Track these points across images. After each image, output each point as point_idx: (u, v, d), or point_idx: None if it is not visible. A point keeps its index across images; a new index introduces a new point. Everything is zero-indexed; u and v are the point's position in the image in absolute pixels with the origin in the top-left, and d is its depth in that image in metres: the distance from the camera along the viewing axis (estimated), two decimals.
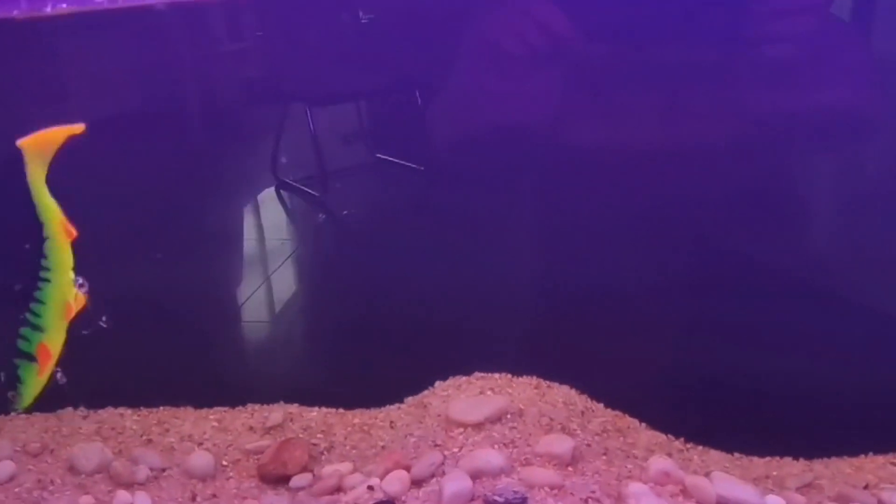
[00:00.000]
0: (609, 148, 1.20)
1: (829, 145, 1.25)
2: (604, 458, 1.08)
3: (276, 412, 1.22)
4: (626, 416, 1.20)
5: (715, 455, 1.18)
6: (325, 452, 1.14)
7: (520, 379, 1.22)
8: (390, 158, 1.51)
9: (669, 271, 1.23)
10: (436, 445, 1.07)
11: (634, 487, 0.95)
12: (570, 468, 1.04)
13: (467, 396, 1.16)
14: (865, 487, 1.09)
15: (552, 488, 0.97)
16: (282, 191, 1.53)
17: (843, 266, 1.33)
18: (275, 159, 1.48)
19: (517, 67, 1.13)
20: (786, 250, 1.29)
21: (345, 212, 1.52)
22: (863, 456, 1.17)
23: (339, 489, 1.05)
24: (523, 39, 1.11)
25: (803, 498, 1.02)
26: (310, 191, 1.48)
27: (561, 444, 1.05)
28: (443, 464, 1.03)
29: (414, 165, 1.47)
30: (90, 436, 1.18)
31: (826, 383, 1.20)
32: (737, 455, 1.18)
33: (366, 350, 1.30)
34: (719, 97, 1.16)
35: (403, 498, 0.99)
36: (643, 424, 1.20)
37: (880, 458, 1.16)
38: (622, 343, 1.22)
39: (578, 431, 1.13)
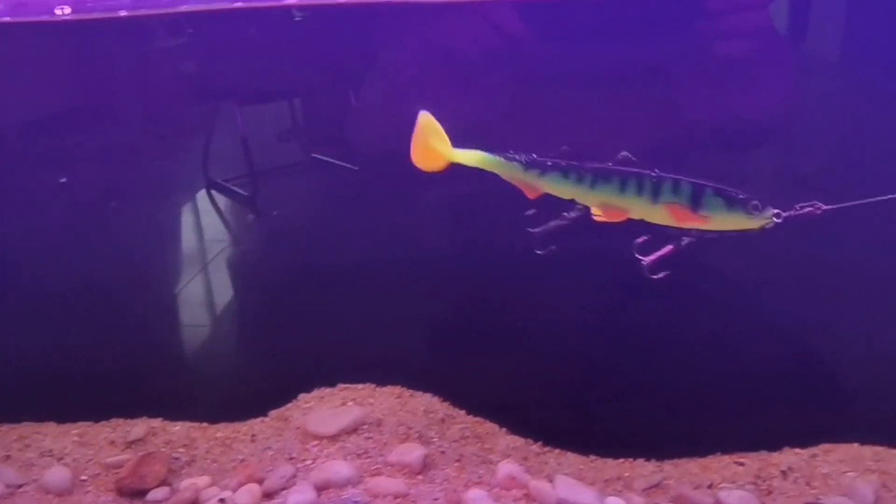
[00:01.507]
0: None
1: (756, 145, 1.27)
2: (457, 464, 1.11)
3: (138, 426, 1.22)
4: (487, 421, 1.24)
5: (571, 458, 1.22)
6: (186, 466, 1.15)
7: (383, 389, 1.24)
8: (325, 158, 1.51)
9: (528, 279, 1.26)
10: (290, 458, 1.09)
11: (473, 493, 0.99)
12: (419, 476, 1.07)
13: (326, 409, 1.18)
14: (709, 487, 1.14)
15: (396, 497, 1.00)
16: (213, 191, 1.51)
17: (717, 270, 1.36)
18: (205, 159, 1.47)
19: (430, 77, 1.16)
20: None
21: (274, 212, 1.51)
22: (710, 456, 1.22)
23: (194, 502, 1.06)
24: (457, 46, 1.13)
25: (642, 500, 1.07)
26: (239, 191, 1.47)
27: (412, 453, 1.08)
28: (294, 476, 1.05)
29: (349, 165, 1.47)
30: None
31: (673, 385, 1.24)
32: (592, 457, 1.22)
33: (232, 363, 1.31)
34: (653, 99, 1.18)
35: None
36: (503, 429, 1.23)
37: (726, 458, 1.21)
38: (483, 350, 1.26)
39: (435, 439, 1.16)
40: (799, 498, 1.10)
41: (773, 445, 1.20)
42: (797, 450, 1.19)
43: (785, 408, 1.23)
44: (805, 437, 1.20)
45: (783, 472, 1.16)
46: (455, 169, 1.24)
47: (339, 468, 1.03)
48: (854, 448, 1.19)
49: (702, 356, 1.25)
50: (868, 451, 1.18)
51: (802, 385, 1.25)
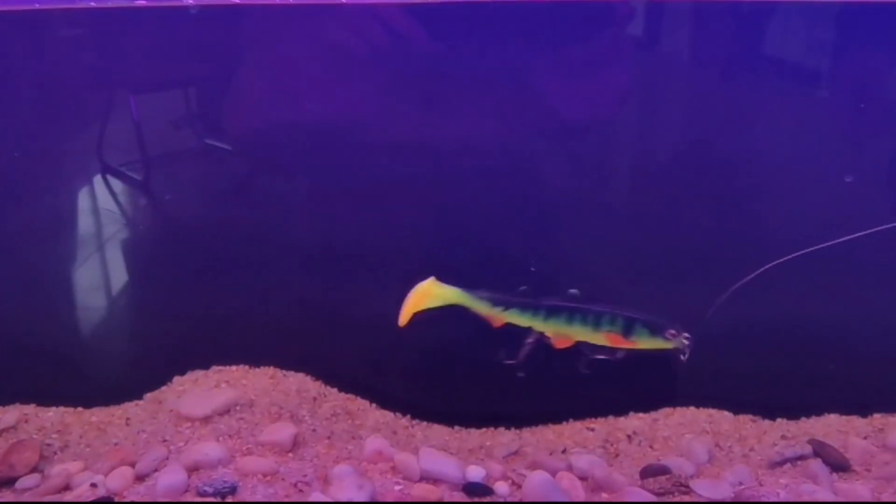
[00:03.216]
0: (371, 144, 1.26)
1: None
2: (327, 441, 1.17)
3: (9, 413, 1.22)
4: (358, 398, 1.30)
5: (437, 429, 1.30)
6: (59, 452, 1.16)
7: (257, 370, 1.28)
8: (218, 144, 1.51)
9: (398, 259, 1.31)
10: (164, 441, 1.12)
11: (339, 469, 1.05)
12: (290, 454, 1.12)
13: (200, 391, 1.21)
14: (563, 452, 1.24)
15: (265, 475, 1.05)
16: (107, 176, 1.49)
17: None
18: (100, 144, 1.44)
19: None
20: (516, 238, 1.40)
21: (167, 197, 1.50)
22: (564, 423, 1.31)
23: (66, 488, 1.08)
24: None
25: (501, 467, 1.15)
26: (132, 175, 1.46)
27: (282, 432, 1.13)
28: (167, 458, 1.08)
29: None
30: None
31: (528, 358, 1.32)
32: (457, 428, 1.30)
33: (107, 347, 1.32)
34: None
35: (125, 493, 1.04)
36: (373, 405, 1.30)
37: (578, 424, 1.31)
38: (354, 330, 1.31)
39: (307, 417, 1.21)
40: (643, 460, 1.20)
41: (620, 411, 1.32)
42: (641, 414, 1.31)
43: (631, 375, 1.33)
44: (648, 402, 1.31)
45: (629, 436, 1.27)
46: (324, 164, 1.30)
47: (210, 449, 1.07)
48: (690, 411, 1.31)
49: None
50: (703, 413, 1.30)
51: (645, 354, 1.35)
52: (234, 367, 1.28)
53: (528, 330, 1.03)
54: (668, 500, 1.09)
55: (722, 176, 1.37)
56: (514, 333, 1.03)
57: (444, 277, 1.07)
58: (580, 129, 1.30)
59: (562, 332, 1.01)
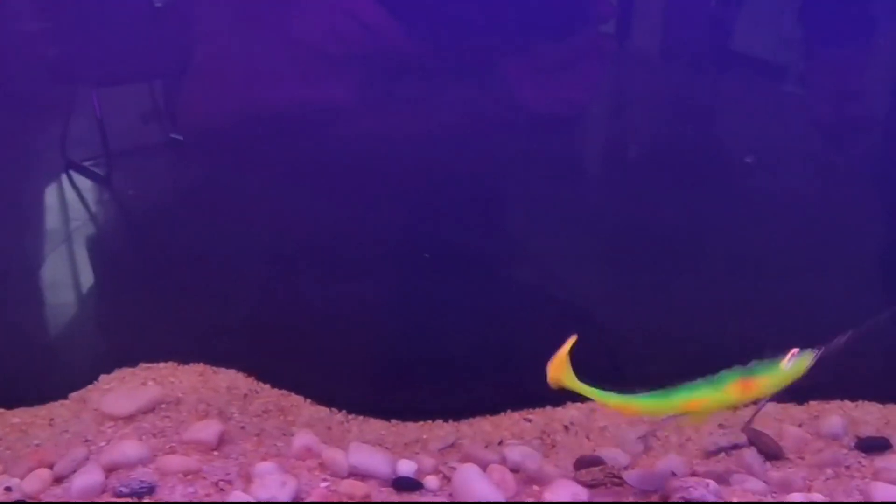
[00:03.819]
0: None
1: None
2: (256, 438, 1.15)
3: None
4: (293, 394, 1.28)
5: (374, 424, 1.28)
6: None
7: (186, 367, 1.26)
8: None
9: (332, 259, 1.30)
10: (86, 441, 1.10)
11: (262, 467, 1.02)
12: (215, 452, 1.09)
13: (125, 389, 1.19)
14: (500, 444, 1.23)
15: (186, 474, 1.02)
16: (71, 171, 1.46)
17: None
18: (63, 139, 1.41)
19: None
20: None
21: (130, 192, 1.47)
22: (502, 414, 1.30)
23: None
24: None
25: (433, 460, 1.13)
26: (96, 170, 1.43)
27: (208, 430, 1.10)
28: (87, 459, 1.06)
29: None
30: None
31: (465, 350, 1.31)
32: (394, 422, 1.28)
33: (30, 345, 1.29)
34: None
35: (41, 496, 1.01)
36: (308, 401, 1.28)
37: (516, 415, 1.30)
38: (287, 324, 1.29)
39: (236, 414, 1.19)
40: (578, 451, 1.19)
41: (558, 401, 1.30)
42: (578, 404, 1.30)
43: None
44: None
45: (566, 427, 1.26)
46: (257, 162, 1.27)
47: (129, 449, 1.04)
48: None
49: (490, 322, 1.33)
50: None
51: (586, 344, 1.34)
52: (162, 365, 1.26)
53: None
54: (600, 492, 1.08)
55: (689, 170, 1.36)
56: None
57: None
58: (548, 123, 1.29)
59: (694, 409, 0.98)
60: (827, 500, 1.02)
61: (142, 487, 0.98)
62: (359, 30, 1.14)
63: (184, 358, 1.26)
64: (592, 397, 0.99)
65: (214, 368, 1.26)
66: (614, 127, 1.39)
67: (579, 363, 1.20)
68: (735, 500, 1.02)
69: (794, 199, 1.36)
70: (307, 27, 1.16)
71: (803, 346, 0.98)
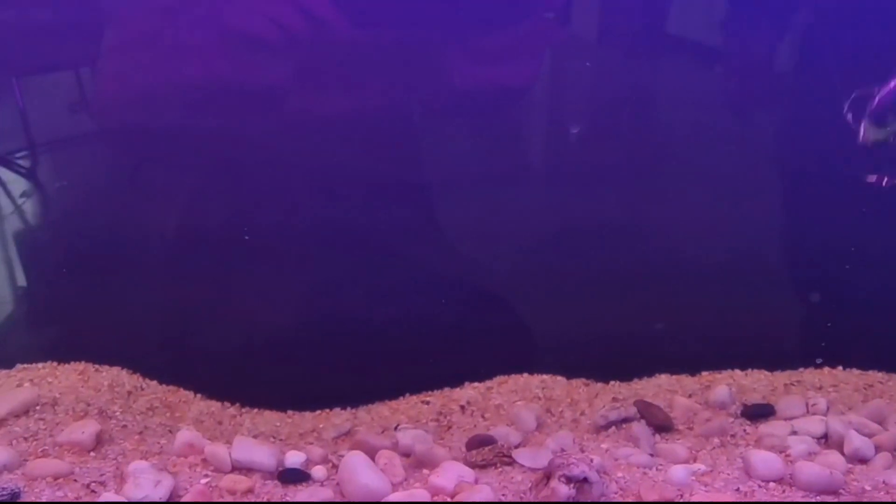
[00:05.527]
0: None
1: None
2: (138, 437, 1.11)
3: None
4: (181, 389, 1.24)
5: (269, 415, 1.26)
6: None
7: (66, 366, 1.21)
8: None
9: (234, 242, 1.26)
10: None
11: (135, 465, 0.99)
12: (92, 453, 1.06)
13: None
14: (396, 428, 1.21)
15: (56, 478, 0.98)
16: None
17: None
18: None
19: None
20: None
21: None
22: (401, 398, 1.29)
23: None
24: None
25: (322, 450, 1.11)
26: (18, 163, 1.36)
27: (83, 431, 1.07)
28: None
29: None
30: None
31: (360, 334, 1.29)
32: (290, 412, 1.26)
33: None
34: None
35: None
36: (198, 396, 1.25)
37: (414, 398, 1.29)
38: (174, 317, 1.25)
39: (118, 413, 1.15)
40: (473, 430, 1.18)
41: (456, 382, 1.29)
42: (476, 384, 1.29)
43: (466, 345, 1.32)
44: (483, 372, 1.30)
45: (462, 407, 1.25)
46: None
47: None
48: (524, 378, 1.29)
49: (388, 305, 1.31)
50: (536, 380, 1.29)
51: (481, 323, 1.33)
52: (40, 365, 1.21)
53: None
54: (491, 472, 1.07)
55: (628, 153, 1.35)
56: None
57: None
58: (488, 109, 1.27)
59: None
60: (709, 469, 1.03)
61: (3, 494, 0.94)
62: (300, 16, 1.11)
63: (63, 357, 1.22)
64: None
65: (97, 366, 1.22)
66: (555, 114, 1.38)
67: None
68: (620, 474, 1.02)
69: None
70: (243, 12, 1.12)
71: None
